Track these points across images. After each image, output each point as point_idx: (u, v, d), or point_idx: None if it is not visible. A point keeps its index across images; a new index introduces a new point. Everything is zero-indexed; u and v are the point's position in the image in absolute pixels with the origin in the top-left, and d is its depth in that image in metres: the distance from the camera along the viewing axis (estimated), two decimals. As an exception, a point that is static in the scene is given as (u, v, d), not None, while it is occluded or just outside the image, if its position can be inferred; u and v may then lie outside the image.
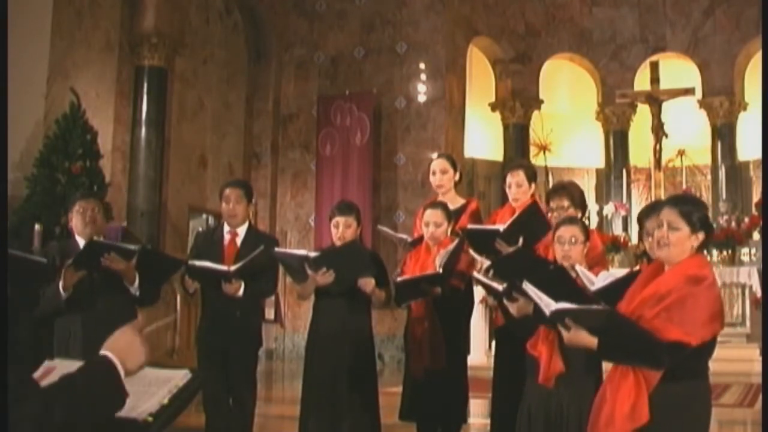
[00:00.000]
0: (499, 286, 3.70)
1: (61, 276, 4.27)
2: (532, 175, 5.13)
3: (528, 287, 3.00)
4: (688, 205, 2.94)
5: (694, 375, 2.85)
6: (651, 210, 3.60)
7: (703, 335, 2.73)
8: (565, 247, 3.92)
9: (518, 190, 5.05)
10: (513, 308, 3.60)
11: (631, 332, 2.71)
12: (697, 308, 2.72)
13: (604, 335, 2.75)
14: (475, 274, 4.36)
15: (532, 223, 4.67)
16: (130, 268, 4.34)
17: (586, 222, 4.79)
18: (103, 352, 1.86)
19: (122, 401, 1.81)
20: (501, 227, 4.75)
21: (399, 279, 4.81)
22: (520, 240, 4.64)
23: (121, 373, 1.83)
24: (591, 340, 2.76)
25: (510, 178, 5.09)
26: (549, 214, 4.71)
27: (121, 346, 1.87)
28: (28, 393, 1.68)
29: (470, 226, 5.04)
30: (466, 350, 5.19)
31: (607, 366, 3.62)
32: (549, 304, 2.82)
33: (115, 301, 4.31)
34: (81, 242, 4.45)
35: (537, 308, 3.45)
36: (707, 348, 2.82)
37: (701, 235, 2.89)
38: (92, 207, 4.47)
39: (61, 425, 1.69)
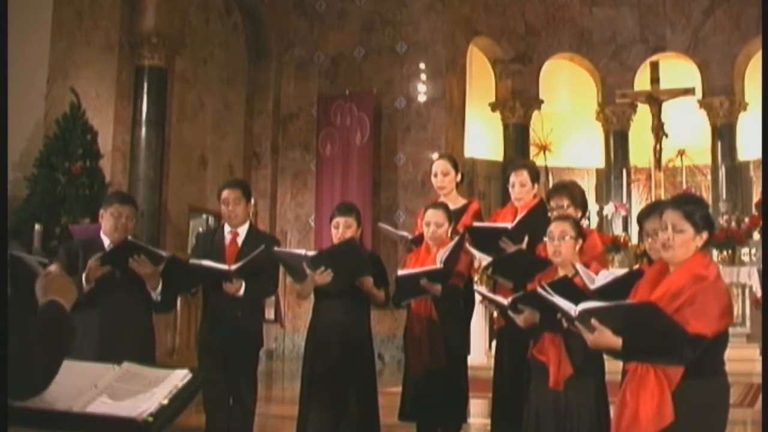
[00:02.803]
0: (504, 301, 3.69)
1: (84, 270, 4.22)
2: (535, 175, 5.13)
3: (545, 293, 2.98)
4: (690, 206, 2.94)
5: (714, 371, 2.86)
6: (650, 211, 3.59)
7: (718, 327, 2.76)
8: (555, 242, 3.90)
9: (522, 189, 5.04)
10: (519, 320, 3.59)
11: (662, 325, 2.68)
12: (708, 303, 2.75)
13: (628, 334, 2.72)
14: (481, 289, 4.35)
15: (539, 222, 4.67)
16: (156, 273, 4.29)
17: (587, 222, 4.79)
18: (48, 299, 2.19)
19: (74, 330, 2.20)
20: (509, 225, 4.75)
21: (400, 273, 4.79)
22: (526, 239, 4.63)
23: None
24: (616, 341, 2.74)
25: (514, 178, 5.08)
26: (549, 213, 4.70)
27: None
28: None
29: (476, 223, 5.03)
30: (466, 350, 5.17)
31: (609, 366, 3.62)
32: (571, 307, 2.80)
33: (132, 303, 4.28)
34: (107, 242, 4.42)
35: (543, 317, 3.45)
36: (722, 342, 2.84)
37: (705, 235, 2.90)
38: (127, 214, 4.41)
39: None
